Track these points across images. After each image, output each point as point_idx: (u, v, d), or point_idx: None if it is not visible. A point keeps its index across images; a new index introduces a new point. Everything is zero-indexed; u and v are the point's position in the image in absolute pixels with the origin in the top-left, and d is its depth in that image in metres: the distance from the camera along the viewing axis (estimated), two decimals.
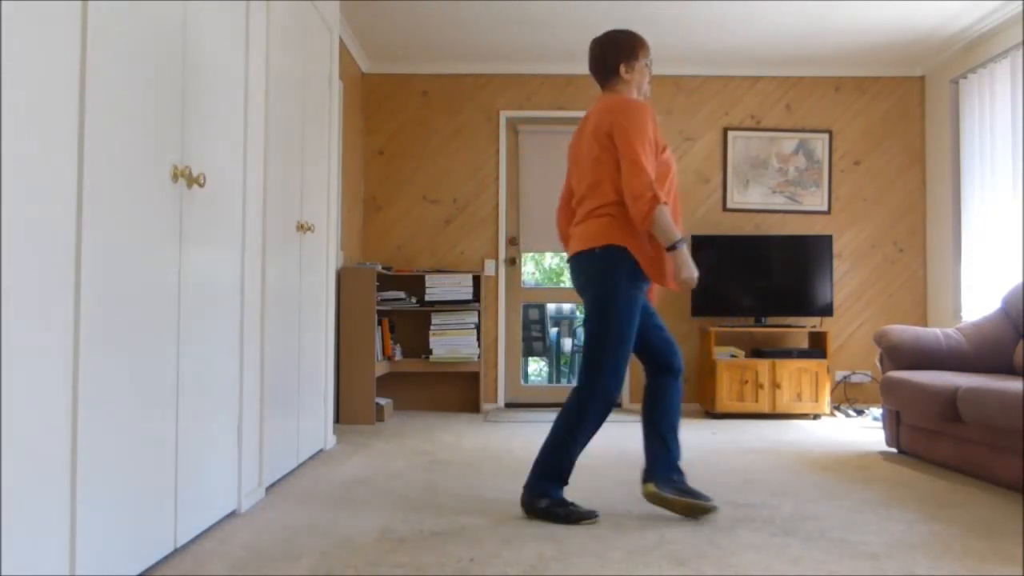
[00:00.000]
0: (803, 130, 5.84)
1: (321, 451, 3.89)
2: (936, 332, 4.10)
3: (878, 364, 4.26)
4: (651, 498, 2.65)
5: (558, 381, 7.49)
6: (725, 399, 5.27)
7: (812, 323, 5.63)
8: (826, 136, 5.83)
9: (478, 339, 5.44)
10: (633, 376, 5.77)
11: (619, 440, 4.32)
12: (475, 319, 5.45)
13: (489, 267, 5.78)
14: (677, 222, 2.69)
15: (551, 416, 5.23)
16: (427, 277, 5.45)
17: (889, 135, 5.86)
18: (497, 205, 5.80)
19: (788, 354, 5.33)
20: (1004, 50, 4.82)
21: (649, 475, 2.69)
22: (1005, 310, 4.09)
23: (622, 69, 2.73)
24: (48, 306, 1.60)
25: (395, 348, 5.41)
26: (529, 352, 7.03)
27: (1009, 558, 2.25)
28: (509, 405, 5.83)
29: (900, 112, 5.86)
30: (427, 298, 5.43)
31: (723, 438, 4.45)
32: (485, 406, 5.60)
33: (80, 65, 1.70)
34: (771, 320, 5.59)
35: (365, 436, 4.42)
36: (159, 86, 2.07)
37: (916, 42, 5.33)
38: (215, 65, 2.46)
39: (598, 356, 2.65)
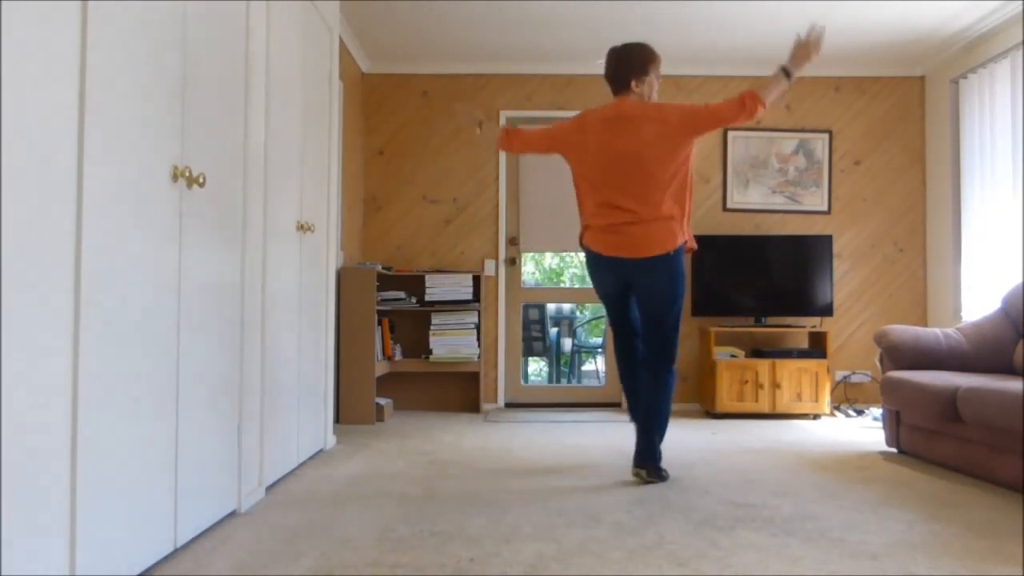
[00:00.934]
0: (803, 130, 5.84)
1: (321, 451, 3.89)
2: (936, 332, 4.10)
3: (878, 364, 4.26)
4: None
5: (558, 381, 7.49)
6: (725, 399, 5.27)
7: (812, 323, 5.63)
8: (826, 136, 5.83)
9: (478, 339, 5.44)
10: None
11: (619, 440, 4.32)
12: (475, 319, 5.45)
13: (489, 267, 5.78)
14: (687, 222, 3.27)
15: (551, 416, 5.24)
16: (427, 277, 5.45)
17: (889, 135, 5.86)
18: (497, 205, 5.80)
19: (788, 354, 5.33)
20: (1004, 50, 4.82)
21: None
22: (1005, 310, 4.09)
23: (633, 84, 3.15)
24: (48, 306, 1.60)
25: (395, 348, 5.41)
26: (529, 352, 7.03)
27: (1009, 558, 2.25)
28: (509, 405, 5.83)
29: (900, 112, 5.86)
30: (427, 298, 5.43)
31: (723, 438, 4.45)
32: (485, 406, 5.60)
33: (80, 65, 1.70)
34: (771, 320, 5.59)
35: (365, 436, 4.42)
36: (159, 86, 2.07)
37: (916, 42, 5.33)
38: (215, 65, 2.46)
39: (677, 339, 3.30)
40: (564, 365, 7.59)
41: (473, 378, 5.63)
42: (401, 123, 5.85)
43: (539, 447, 4.10)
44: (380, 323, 5.20)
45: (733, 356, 5.38)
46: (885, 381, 3.95)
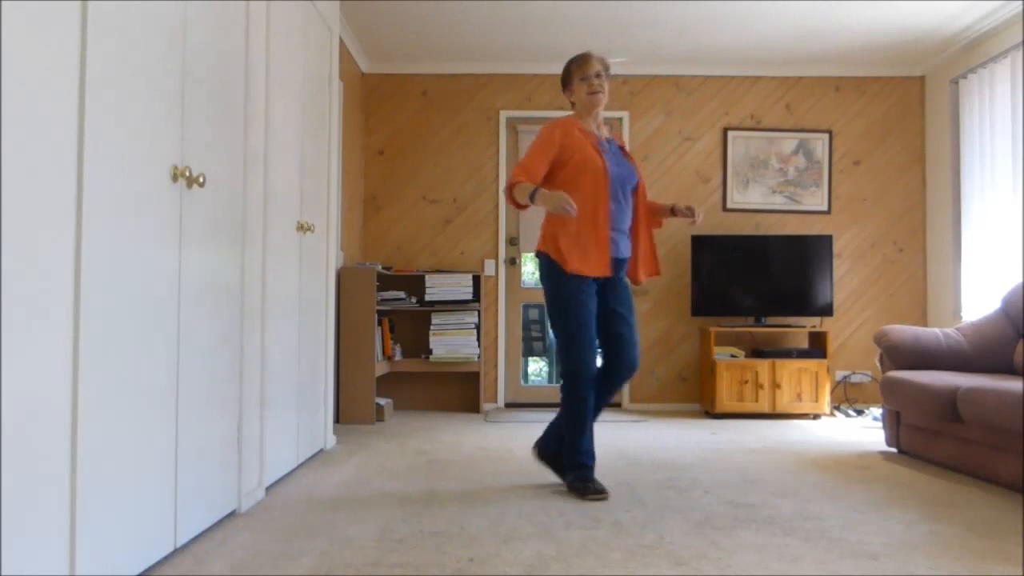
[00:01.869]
0: (803, 130, 5.84)
1: (321, 451, 3.89)
2: (936, 332, 4.10)
3: (878, 364, 4.26)
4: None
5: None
6: (725, 399, 5.27)
7: (812, 323, 5.63)
8: (826, 136, 5.83)
9: (478, 339, 5.44)
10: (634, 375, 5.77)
11: (619, 440, 4.32)
12: (475, 319, 5.45)
13: (489, 267, 5.78)
14: (642, 213, 3.18)
15: (551, 416, 5.22)
16: (427, 277, 5.45)
17: (889, 135, 5.86)
18: (497, 205, 5.80)
19: (788, 354, 5.33)
20: (1004, 50, 4.82)
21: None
22: (1005, 310, 4.09)
23: (567, 95, 3.29)
24: (48, 306, 1.60)
25: (395, 348, 5.41)
26: (529, 352, 7.03)
27: (1009, 558, 2.25)
28: (509, 405, 5.83)
29: (900, 112, 5.86)
30: (427, 298, 5.43)
31: (723, 438, 4.45)
32: (485, 406, 5.60)
33: (80, 65, 1.70)
34: (771, 320, 5.59)
35: (365, 436, 4.42)
36: (159, 86, 2.07)
37: (916, 42, 5.33)
38: (215, 65, 2.46)
39: (562, 349, 3.18)
40: None
41: (473, 378, 5.63)
42: (401, 123, 5.85)
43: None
44: (380, 323, 5.20)
45: (733, 356, 5.38)
46: (885, 381, 3.95)
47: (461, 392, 5.70)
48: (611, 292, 3.13)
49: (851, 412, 5.47)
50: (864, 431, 4.77)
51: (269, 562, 2.18)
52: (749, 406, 5.27)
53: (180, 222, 2.21)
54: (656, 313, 5.79)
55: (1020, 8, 4.64)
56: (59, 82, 1.63)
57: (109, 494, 1.84)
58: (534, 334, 7.21)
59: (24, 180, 1.52)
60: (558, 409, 3.17)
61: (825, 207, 5.82)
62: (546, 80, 5.84)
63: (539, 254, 3.15)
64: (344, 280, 4.89)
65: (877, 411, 5.22)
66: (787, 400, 5.28)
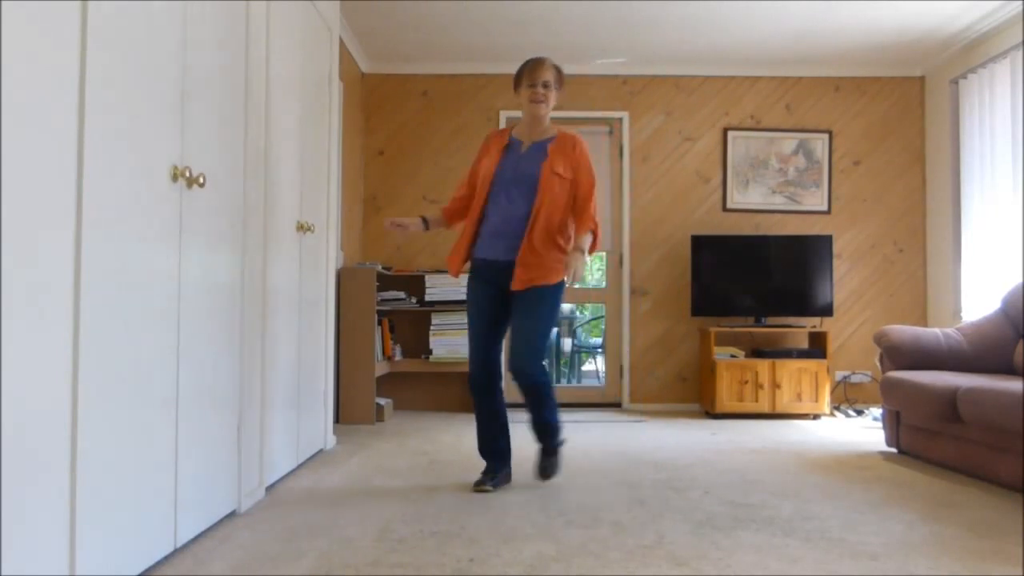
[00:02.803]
0: (803, 130, 5.84)
1: (321, 451, 3.89)
2: (936, 332, 4.10)
3: (878, 364, 4.26)
4: None
5: (558, 381, 7.48)
6: (725, 399, 5.27)
7: (812, 323, 5.63)
8: (826, 136, 5.83)
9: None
10: (633, 376, 5.77)
11: (619, 440, 4.32)
12: None
13: None
14: (540, 215, 3.06)
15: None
16: (427, 277, 5.44)
17: (889, 135, 5.86)
18: None
19: (788, 354, 5.33)
20: (1004, 50, 4.82)
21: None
22: (1005, 310, 4.09)
23: (516, 95, 3.26)
24: (48, 305, 1.60)
25: (395, 348, 5.41)
26: None
27: (1009, 558, 2.25)
28: (509, 405, 5.80)
29: (900, 112, 5.86)
30: (427, 298, 5.43)
31: (723, 438, 4.45)
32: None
33: (80, 65, 1.70)
34: (771, 320, 5.59)
35: (365, 436, 4.41)
36: (159, 86, 2.07)
37: (916, 42, 5.33)
38: (215, 65, 2.46)
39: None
40: (564, 365, 7.59)
41: None
42: (401, 123, 5.85)
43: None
44: (380, 323, 5.20)
45: (733, 356, 5.38)
46: (885, 381, 3.95)
47: (461, 392, 5.70)
48: (506, 291, 3.12)
49: (851, 412, 5.47)
50: (864, 431, 4.77)
51: (269, 562, 2.18)
52: (749, 406, 5.27)
53: (180, 222, 2.21)
54: (656, 313, 5.79)
55: (1020, 8, 4.64)
56: (59, 82, 1.63)
57: (109, 494, 1.84)
58: None
59: (24, 180, 1.52)
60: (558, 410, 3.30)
61: (825, 207, 5.82)
62: None
63: None
64: (344, 280, 4.89)
65: (877, 411, 5.22)
66: (787, 400, 5.28)
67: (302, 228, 3.48)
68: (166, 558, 2.18)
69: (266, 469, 2.99)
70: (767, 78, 5.86)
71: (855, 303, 5.81)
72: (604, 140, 5.87)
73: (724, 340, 5.52)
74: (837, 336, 5.75)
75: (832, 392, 5.64)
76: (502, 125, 5.83)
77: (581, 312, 8.01)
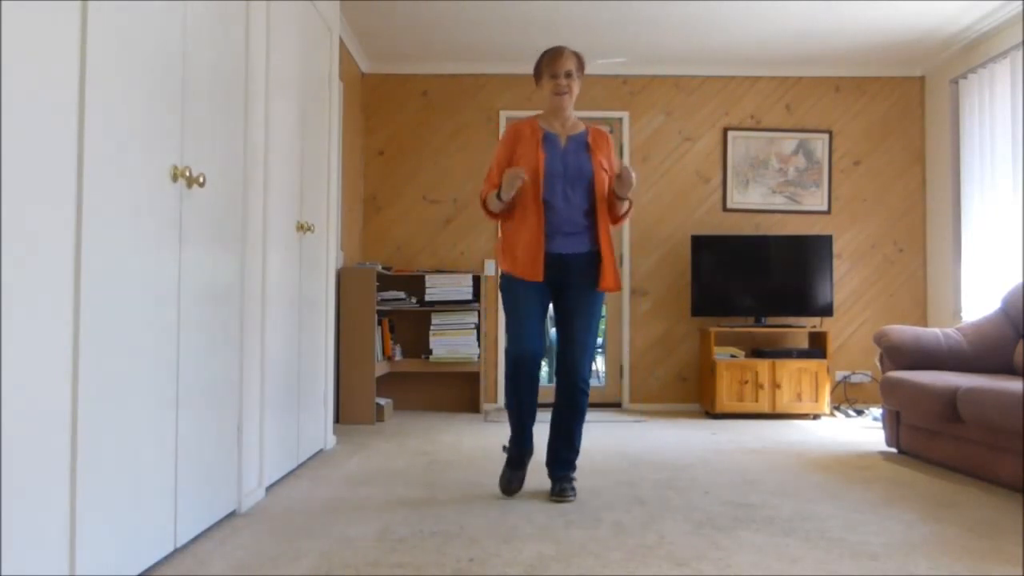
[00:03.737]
0: (803, 130, 5.84)
1: (321, 451, 3.89)
2: (936, 332, 4.10)
3: (878, 364, 4.26)
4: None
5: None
6: (725, 399, 5.27)
7: (812, 323, 5.63)
8: (826, 136, 5.83)
9: (478, 339, 5.44)
10: (633, 376, 5.77)
11: (619, 440, 4.32)
12: (475, 319, 5.44)
13: (489, 267, 5.78)
14: (600, 213, 3.00)
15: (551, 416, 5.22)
16: (427, 277, 5.44)
17: (889, 135, 5.86)
18: None
19: (788, 354, 5.33)
20: (1004, 50, 4.82)
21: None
22: (1005, 310, 4.09)
23: (538, 88, 3.12)
24: (48, 306, 1.60)
25: (395, 348, 5.41)
26: None
27: (1009, 558, 2.25)
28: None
29: (900, 112, 5.86)
30: (427, 298, 5.43)
31: (723, 438, 4.45)
32: (485, 406, 5.60)
33: (80, 65, 1.70)
34: (771, 320, 5.59)
35: (365, 436, 4.41)
36: (159, 86, 2.07)
37: (916, 42, 5.33)
38: (215, 65, 2.46)
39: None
40: None
41: (473, 378, 5.63)
42: (401, 123, 5.85)
43: (539, 447, 4.09)
44: (380, 323, 5.20)
45: (733, 356, 5.38)
46: (885, 381, 3.95)
47: (461, 392, 5.70)
48: (566, 291, 3.02)
49: (851, 412, 5.47)
50: (864, 431, 4.77)
51: (269, 562, 2.18)
52: (749, 406, 5.27)
53: (180, 222, 2.21)
54: (656, 313, 5.79)
55: (1020, 8, 4.64)
56: (59, 82, 1.63)
57: (109, 494, 1.84)
58: None
59: (24, 180, 1.52)
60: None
61: (825, 207, 5.82)
62: None
63: None
64: (344, 280, 4.89)
65: (877, 411, 5.22)
66: (787, 400, 5.28)
67: (302, 228, 3.48)
68: (166, 558, 2.18)
69: (266, 469, 2.99)
70: (767, 78, 5.86)
71: (855, 303, 5.81)
72: None
73: (724, 340, 5.52)
74: (837, 336, 5.75)
75: (832, 392, 5.64)
76: (502, 125, 5.83)
77: None
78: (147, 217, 2.01)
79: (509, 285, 3.02)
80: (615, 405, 5.83)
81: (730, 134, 5.84)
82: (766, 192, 5.83)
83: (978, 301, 5.07)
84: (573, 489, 2.98)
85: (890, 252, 5.83)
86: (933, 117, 5.74)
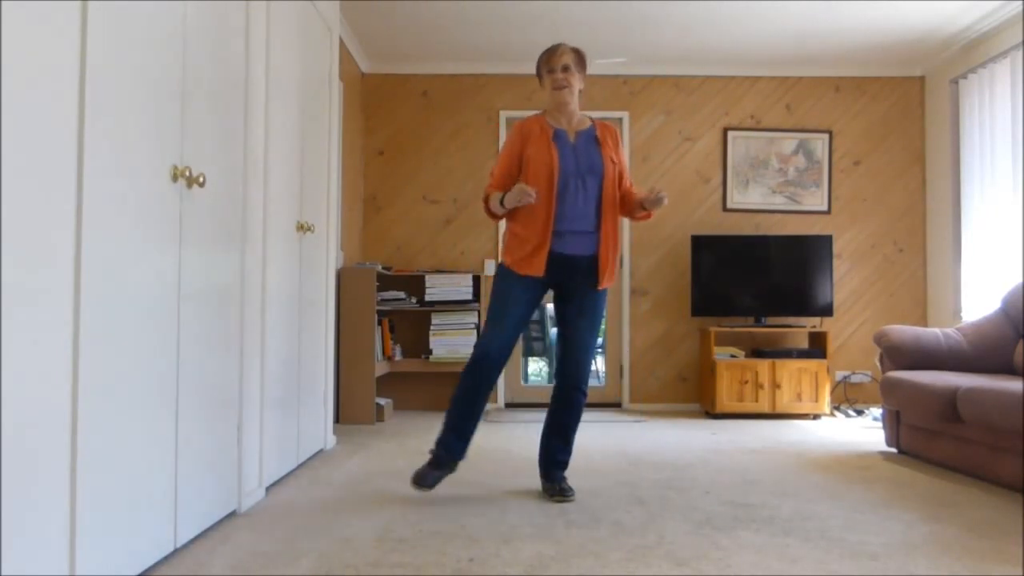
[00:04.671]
0: (803, 130, 5.84)
1: (321, 451, 3.89)
2: (936, 332, 4.10)
3: (878, 364, 4.26)
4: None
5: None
6: (725, 399, 5.27)
7: (812, 323, 5.63)
8: (826, 136, 5.83)
9: (478, 339, 5.43)
10: (633, 376, 5.77)
11: (619, 440, 4.32)
12: (475, 319, 5.44)
13: (489, 267, 5.78)
14: (608, 210, 2.97)
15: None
16: (427, 277, 5.44)
17: (889, 135, 5.86)
18: None
19: (788, 354, 5.33)
20: (1004, 50, 4.82)
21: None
22: (1005, 310, 4.09)
23: (542, 88, 3.13)
24: (48, 306, 1.60)
25: (395, 348, 5.41)
26: (529, 352, 7.03)
27: (1009, 558, 2.25)
28: (509, 405, 5.83)
29: (900, 112, 5.86)
30: (427, 298, 5.43)
31: (723, 438, 4.45)
32: (485, 406, 5.59)
33: (80, 65, 1.70)
34: (771, 320, 5.59)
35: (365, 436, 4.41)
36: (159, 86, 2.07)
37: (916, 42, 5.33)
38: (215, 65, 2.46)
39: None
40: None
41: None
42: (401, 123, 5.85)
43: (534, 449, 4.10)
44: (380, 323, 5.20)
45: (733, 356, 5.38)
46: (885, 381, 3.95)
47: None
48: (569, 292, 3.01)
49: (851, 412, 5.47)
50: (864, 431, 4.77)
51: (269, 562, 2.18)
52: (749, 406, 5.27)
53: (180, 222, 2.21)
54: (656, 313, 5.79)
55: (1020, 8, 4.64)
56: (59, 82, 1.63)
57: (109, 494, 1.84)
58: (534, 334, 7.22)
59: (24, 180, 1.52)
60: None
61: (825, 207, 5.82)
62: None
63: None
64: (344, 280, 4.89)
65: (877, 411, 5.22)
66: (787, 400, 5.28)
67: (302, 228, 3.48)
68: (166, 558, 2.18)
69: (266, 469, 2.99)
70: (767, 78, 5.86)
71: (855, 303, 5.81)
72: None
73: (724, 340, 5.52)
74: (837, 336, 5.75)
75: (832, 392, 5.64)
76: (502, 125, 5.83)
77: None
78: (147, 217, 2.01)
79: (503, 277, 3.01)
80: (615, 405, 5.83)
81: (730, 134, 5.83)
82: (766, 192, 5.83)
83: (978, 301, 5.07)
84: (572, 488, 2.98)
85: (890, 252, 5.83)
86: (933, 117, 5.74)
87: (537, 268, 2.91)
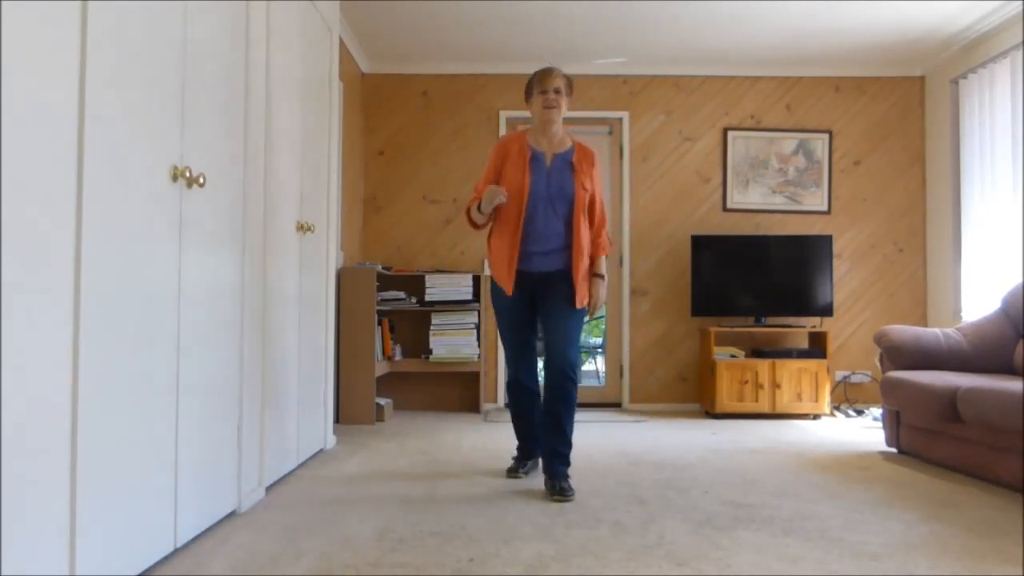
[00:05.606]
0: (803, 130, 5.84)
1: (321, 451, 3.89)
2: (936, 332, 4.10)
3: (878, 364, 4.26)
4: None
5: None
6: (725, 399, 5.27)
7: (812, 323, 5.63)
8: (826, 136, 5.83)
9: (478, 339, 5.44)
10: (633, 376, 5.77)
11: (619, 440, 4.32)
12: (475, 319, 5.44)
13: (489, 267, 5.77)
14: (578, 232, 3.15)
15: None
16: (427, 277, 5.44)
17: (889, 135, 5.86)
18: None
19: (788, 354, 5.33)
20: (1004, 50, 4.82)
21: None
22: (1005, 310, 4.09)
23: (528, 106, 3.31)
24: (48, 306, 1.60)
25: (395, 348, 5.41)
26: None
27: (1009, 558, 2.25)
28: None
29: (900, 112, 5.86)
30: (427, 298, 5.42)
31: (723, 438, 4.45)
32: (485, 406, 5.60)
33: (80, 65, 1.70)
34: (771, 320, 5.59)
35: (365, 436, 4.41)
36: (159, 86, 2.07)
37: (916, 42, 5.33)
38: (215, 65, 2.46)
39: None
40: None
41: (473, 378, 5.63)
42: (401, 123, 5.85)
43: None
44: (380, 323, 5.20)
45: (733, 356, 5.38)
46: (885, 381, 3.95)
47: (461, 392, 5.70)
48: (545, 304, 3.20)
49: (851, 412, 5.47)
50: (864, 431, 4.77)
51: (269, 562, 2.18)
52: (749, 406, 5.27)
53: (180, 222, 2.21)
54: (656, 313, 5.79)
55: (1020, 8, 4.65)
56: (59, 82, 1.63)
57: (109, 494, 1.84)
58: None
59: (24, 180, 1.52)
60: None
61: (825, 207, 5.82)
62: None
63: None
64: (344, 280, 4.89)
65: (877, 411, 5.22)
66: (787, 400, 5.28)
67: (302, 228, 3.48)
68: (166, 558, 2.18)
69: (266, 469, 2.99)
70: (767, 78, 5.86)
71: (855, 303, 5.81)
72: (604, 140, 5.87)
73: (724, 340, 5.52)
74: (837, 336, 5.75)
75: (832, 392, 5.64)
76: (502, 125, 5.83)
77: None
78: (147, 217, 2.01)
79: (495, 295, 3.30)
80: (615, 405, 5.83)
81: (730, 134, 5.83)
82: (766, 192, 5.83)
83: (978, 301, 5.07)
84: (572, 488, 2.99)
85: (890, 252, 5.83)
86: (933, 117, 5.74)
87: (508, 285, 3.19)
